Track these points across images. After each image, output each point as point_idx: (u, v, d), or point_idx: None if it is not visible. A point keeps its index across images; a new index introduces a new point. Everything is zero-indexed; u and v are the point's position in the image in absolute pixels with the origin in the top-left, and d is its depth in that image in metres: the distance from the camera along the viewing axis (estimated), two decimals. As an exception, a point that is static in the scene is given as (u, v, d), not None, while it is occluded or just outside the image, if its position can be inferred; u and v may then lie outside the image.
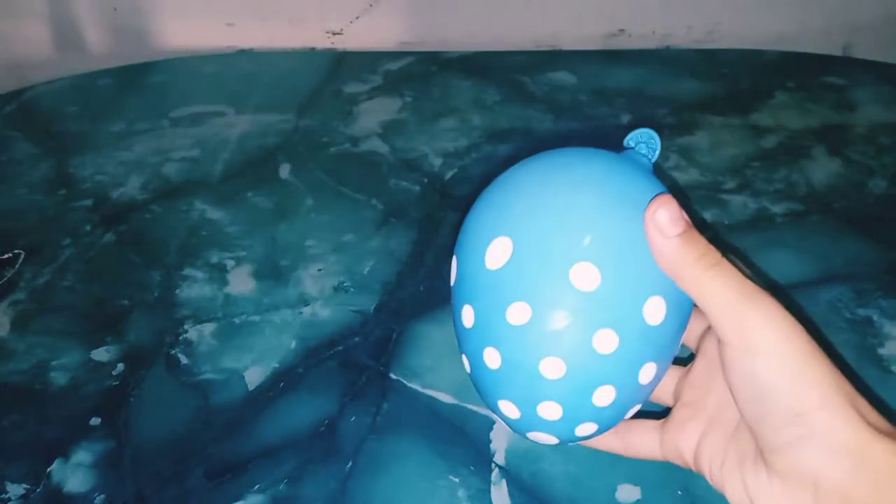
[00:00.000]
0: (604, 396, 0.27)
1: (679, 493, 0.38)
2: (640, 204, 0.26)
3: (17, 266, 0.56)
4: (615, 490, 0.39)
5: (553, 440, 0.28)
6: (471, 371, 0.29)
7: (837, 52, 0.87)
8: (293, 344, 0.48)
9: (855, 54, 0.87)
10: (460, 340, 0.29)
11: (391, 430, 0.42)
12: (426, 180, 0.63)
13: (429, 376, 0.45)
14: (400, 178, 0.64)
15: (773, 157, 0.64)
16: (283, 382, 0.46)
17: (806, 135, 0.67)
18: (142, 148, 0.69)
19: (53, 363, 0.48)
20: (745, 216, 0.57)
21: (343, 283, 0.53)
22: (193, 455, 0.42)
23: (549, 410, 0.27)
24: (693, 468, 0.29)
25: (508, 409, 0.28)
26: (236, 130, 0.71)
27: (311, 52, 0.89)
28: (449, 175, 0.64)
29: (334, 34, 0.89)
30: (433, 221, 0.58)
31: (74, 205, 0.62)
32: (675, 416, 0.30)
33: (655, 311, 0.26)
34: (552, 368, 0.26)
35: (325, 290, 0.52)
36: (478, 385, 0.29)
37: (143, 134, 0.71)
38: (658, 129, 0.31)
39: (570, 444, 0.29)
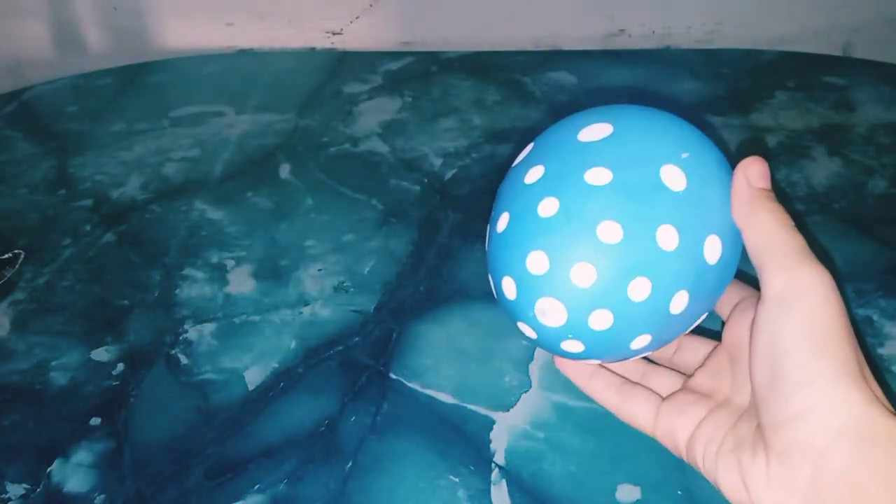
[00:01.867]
0: (638, 290, 0.26)
1: (679, 493, 0.38)
2: (724, 164, 0.28)
3: (17, 266, 0.56)
4: (615, 490, 0.39)
5: (559, 316, 0.27)
6: (508, 225, 0.28)
7: (837, 52, 0.87)
8: (293, 344, 0.48)
9: (855, 54, 0.87)
10: (511, 197, 0.29)
11: (391, 430, 0.42)
12: (426, 180, 0.63)
13: (429, 376, 0.46)
14: (400, 178, 0.64)
15: (774, 157, 0.64)
16: (283, 382, 0.46)
17: (806, 135, 0.67)
18: (142, 148, 0.69)
19: (53, 363, 0.48)
20: (745, 216, 0.57)
21: (343, 283, 0.53)
22: (193, 455, 0.42)
23: (583, 273, 0.26)
24: (682, 453, 0.29)
25: (539, 261, 0.27)
26: (236, 130, 0.71)
27: (311, 52, 0.89)
28: (449, 175, 0.64)
29: (334, 34, 0.89)
30: (433, 221, 0.58)
31: (74, 205, 0.62)
32: (678, 398, 0.30)
33: (713, 249, 0.27)
34: (609, 232, 0.26)
35: (325, 290, 0.52)
36: (512, 237, 0.28)
37: (143, 134, 0.71)
38: None
39: (570, 341, 0.28)
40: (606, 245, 0.26)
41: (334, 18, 0.88)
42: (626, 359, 0.30)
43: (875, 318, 0.48)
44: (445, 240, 0.56)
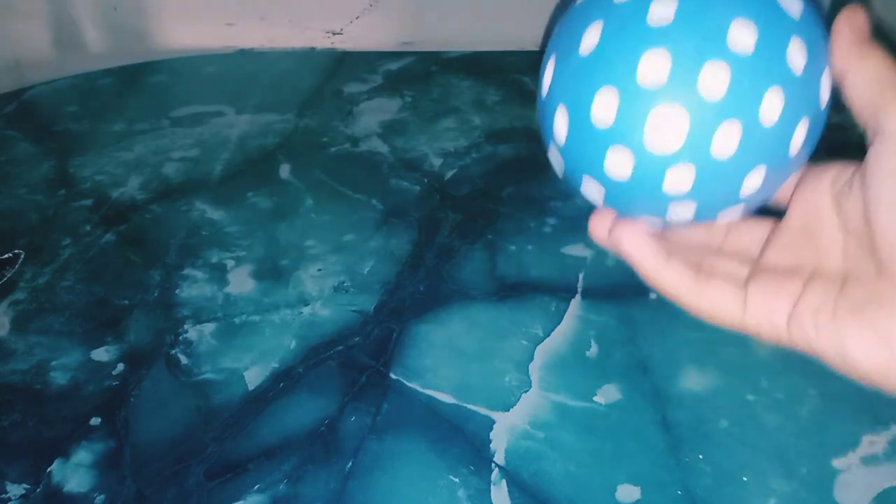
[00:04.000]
0: (769, 110, 0.23)
1: (679, 493, 0.38)
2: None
3: (17, 266, 0.56)
4: (615, 490, 0.39)
5: (676, 133, 0.23)
6: (601, 39, 0.24)
7: (837, 52, 0.87)
8: (293, 344, 0.48)
9: (855, 54, 0.87)
10: (599, 14, 0.25)
11: (391, 430, 0.42)
12: (426, 180, 0.63)
13: (429, 376, 0.46)
14: (400, 178, 0.64)
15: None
16: (283, 382, 0.46)
17: (806, 135, 0.67)
18: (142, 148, 0.69)
19: (53, 363, 0.48)
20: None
21: (343, 283, 0.53)
22: (193, 455, 0.42)
23: (714, 81, 0.23)
24: (781, 335, 0.26)
25: (655, 68, 0.23)
26: (236, 130, 0.71)
27: (311, 52, 0.89)
28: (449, 175, 0.64)
29: (334, 34, 0.89)
30: (433, 221, 0.58)
31: (74, 205, 0.62)
32: (762, 279, 0.27)
33: (825, 89, 0.25)
34: (740, 39, 0.23)
35: (325, 290, 0.52)
36: (610, 50, 0.24)
37: (143, 134, 0.71)
38: None
39: (680, 167, 0.24)
40: (737, 54, 0.23)
41: (334, 18, 0.88)
42: (724, 210, 0.27)
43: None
44: (445, 240, 0.56)
